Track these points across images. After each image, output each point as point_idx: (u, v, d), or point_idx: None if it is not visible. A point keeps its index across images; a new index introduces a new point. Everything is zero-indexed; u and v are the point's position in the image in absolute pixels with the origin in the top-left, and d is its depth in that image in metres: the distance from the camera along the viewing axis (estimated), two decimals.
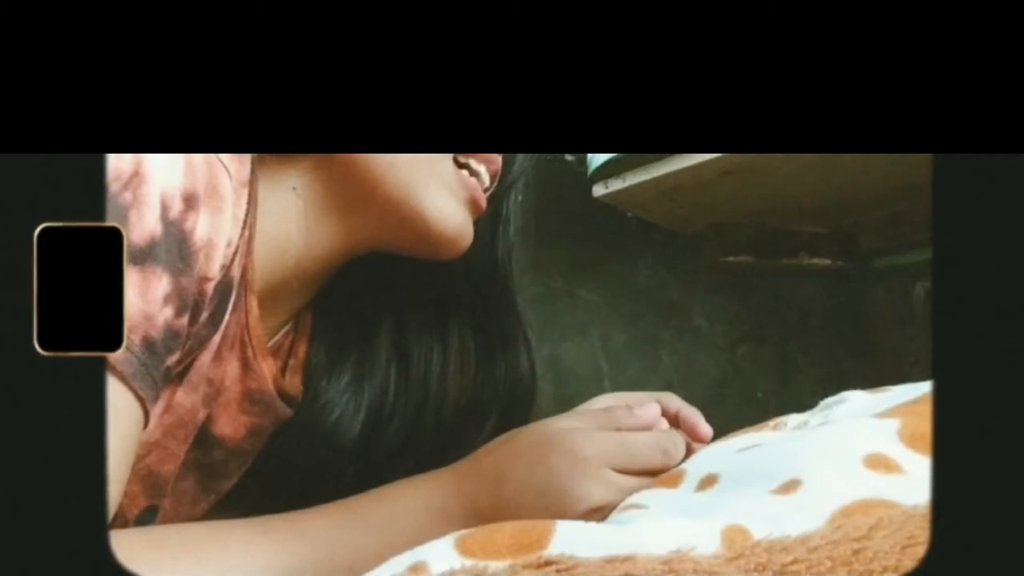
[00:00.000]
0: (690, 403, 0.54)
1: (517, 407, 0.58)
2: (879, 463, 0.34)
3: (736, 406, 1.26)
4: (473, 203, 0.52)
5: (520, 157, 0.58)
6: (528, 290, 0.61)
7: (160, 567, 0.39)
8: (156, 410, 0.43)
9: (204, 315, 0.42)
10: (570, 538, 0.31)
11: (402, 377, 0.56)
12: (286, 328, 0.56)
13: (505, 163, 0.55)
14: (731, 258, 1.20)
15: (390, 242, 0.52)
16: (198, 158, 0.40)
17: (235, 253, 0.43)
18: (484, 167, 0.53)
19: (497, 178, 0.54)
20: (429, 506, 0.45)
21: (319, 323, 0.57)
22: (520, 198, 0.59)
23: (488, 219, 0.56)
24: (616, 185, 1.09)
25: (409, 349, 0.57)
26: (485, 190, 0.53)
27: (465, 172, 0.52)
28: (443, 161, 0.50)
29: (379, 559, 0.32)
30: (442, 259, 0.52)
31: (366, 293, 0.57)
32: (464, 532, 0.32)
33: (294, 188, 0.48)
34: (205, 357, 0.45)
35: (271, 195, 0.47)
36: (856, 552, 0.28)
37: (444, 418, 0.57)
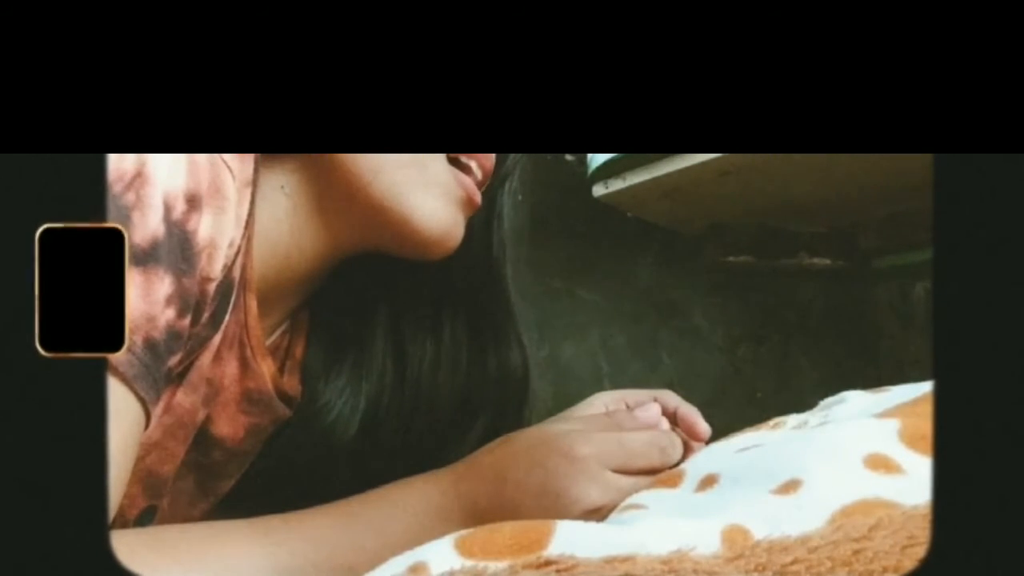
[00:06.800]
0: (689, 403, 0.54)
1: (509, 405, 0.58)
2: (879, 463, 0.34)
3: (736, 406, 1.26)
4: (468, 201, 0.51)
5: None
6: (528, 290, 0.61)
7: (161, 567, 0.39)
8: (156, 411, 0.43)
9: (205, 315, 0.42)
10: (570, 538, 0.31)
11: (398, 376, 0.56)
12: (282, 328, 0.56)
13: (499, 157, 0.55)
14: (731, 258, 1.20)
15: (378, 244, 0.51)
16: (201, 158, 0.40)
17: (237, 253, 0.43)
18: (475, 162, 0.52)
19: (490, 173, 0.54)
20: (428, 506, 0.45)
21: (316, 323, 0.57)
22: (519, 197, 0.59)
23: (483, 215, 0.56)
24: (616, 185, 1.09)
25: (405, 348, 0.57)
26: (479, 184, 0.53)
27: (458, 169, 0.51)
28: (436, 160, 0.49)
29: (379, 559, 0.32)
30: (430, 259, 0.52)
31: (362, 292, 0.57)
32: (464, 532, 0.32)
33: (282, 187, 0.48)
34: (205, 357, 0.45)
35: (262, 193, 0.47)
36: (856, 552, 0.28)
37: (438, 416, 0.57)
